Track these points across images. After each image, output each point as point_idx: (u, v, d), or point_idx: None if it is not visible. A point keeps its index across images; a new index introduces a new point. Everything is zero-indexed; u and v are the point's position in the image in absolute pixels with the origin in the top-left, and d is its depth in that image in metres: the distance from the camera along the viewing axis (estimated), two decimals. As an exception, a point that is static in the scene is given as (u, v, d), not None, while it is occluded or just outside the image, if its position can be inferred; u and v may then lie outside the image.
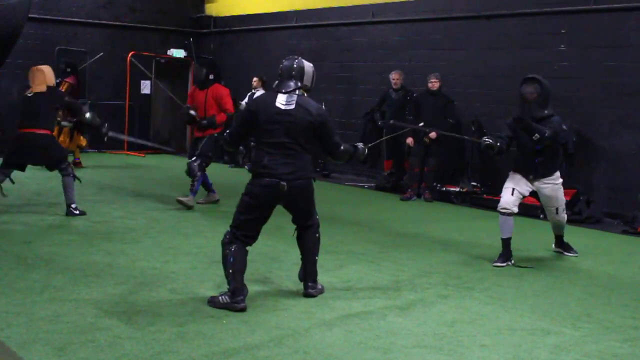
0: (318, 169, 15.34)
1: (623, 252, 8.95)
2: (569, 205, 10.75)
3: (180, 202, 10.27)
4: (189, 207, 10.28)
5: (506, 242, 7.78)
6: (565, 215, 8.23)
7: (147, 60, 18.07)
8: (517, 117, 7.69)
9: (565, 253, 8.41)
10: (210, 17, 19.37)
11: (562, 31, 11.85)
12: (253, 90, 15.17)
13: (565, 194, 10.85)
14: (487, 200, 11.86)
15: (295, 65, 6.06)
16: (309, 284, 6.24)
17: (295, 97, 5.96)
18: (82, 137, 14.44)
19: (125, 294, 6.01)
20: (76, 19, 17.47)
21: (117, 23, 18.14)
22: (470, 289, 6.75)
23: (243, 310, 5.66)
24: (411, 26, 14.37)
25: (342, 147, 6.22)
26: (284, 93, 5.97)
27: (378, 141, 8.14)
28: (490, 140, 7.78)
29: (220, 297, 5.78)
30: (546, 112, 7.78)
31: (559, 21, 11.93)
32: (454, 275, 7.22)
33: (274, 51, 17.13)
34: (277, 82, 6.09)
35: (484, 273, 7.40)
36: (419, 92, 12.77)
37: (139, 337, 4.99)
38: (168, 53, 18.49)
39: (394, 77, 13.20)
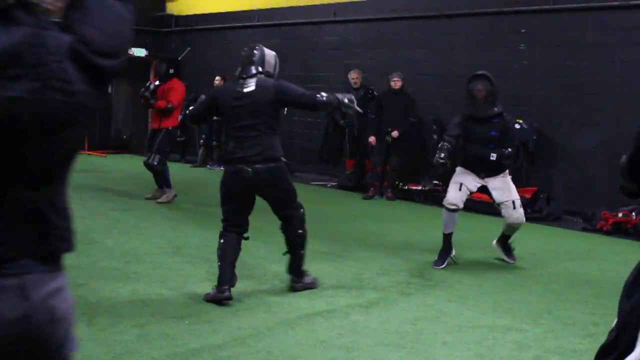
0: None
1: (582, 249, 9.05)
2: (529, 203, 10.88)
3: (161, 203, 10.68)
4: (168, 201, 10.74)
5: (448, 238, 7.63)
6: (523, 212, 7.75)
7: (108, 59, 17.91)
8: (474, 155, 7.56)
9: (504, 256, 7.93)
10: (172, 15, 19.26)
11: (522, 31, 11.96)
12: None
13: (526, 192, 11.01)
14: (449, 198, 11.92)
15: (255, 52, 6.16)
16: (293, 278, 6.38)
17: (255, 79, 6.02)
18: None
19: (86, 295, 5.96)
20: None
21: (77, 21, 17.93)
22: (432, 286, 6.79)
23: (227, 298, 5.78)
24: (372, 25, 14.41)
25: (317, 97, 6.02)
26: (245, 78, 6.04)
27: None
28: (443, 160, 7.40)
29: (211, 291, 5.92)
30: (496, 109, 7.59)
31: (519, 21, 12.04)
32: (416, 274, 7.25)
33: (236, 50, 16.99)
34: (239, 69, 6.16)
35: (445, 271, 7.45)
36: (381, 91, 12.80)
37: (101, 339, 4.96)
38: (129, 52, 18.32)
39: (353, 76, 13.19)
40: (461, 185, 7.63)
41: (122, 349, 4.79)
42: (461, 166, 7.79)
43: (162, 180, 10.76)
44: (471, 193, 7.77)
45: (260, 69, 6.09)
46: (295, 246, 6.32)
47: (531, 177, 11.62)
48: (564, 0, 11.47)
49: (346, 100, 6.19)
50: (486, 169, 7.64)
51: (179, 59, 11.64)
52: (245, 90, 5.99)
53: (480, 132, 7.56)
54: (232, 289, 6.03)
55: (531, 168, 11.64)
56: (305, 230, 6.36)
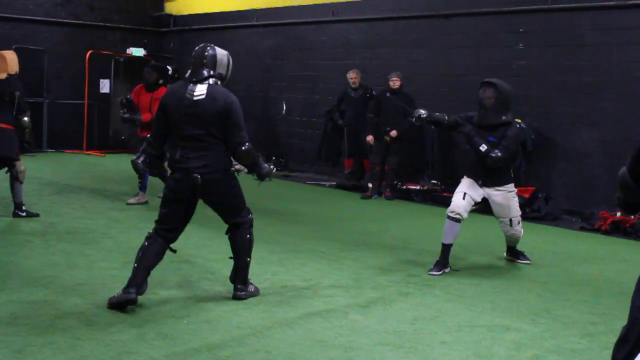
0: (279, 168, 15.32)
1: (581, 248, 9.06)
2: (527, 203, 10.88)
3: (131, 204, 10.46)
4: (143, 204, 10.57)
5: (446, 249, 7.39)
6: (521, 229, 7.76)
7: (107, 59, 17.91)
8: (462, 124, 7.41)
9: (518, 260, 7.97)
10: (170, 15, 19.25)
11: (521, 30, 11.96)
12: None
13: (524, 192, 11.01)
14: (448, 198, 11.85)
15: (207, 53, 5.85)
16: (239, 286, 6.06)
17: (206, 86, 5.75)
18: None
19: (84, 295, 5.96)
20: (33, 17, 17.26)
21: (76, 21, 17.94)
22: (431, 286, 6.79)
23: (132, 302, 5.51)
24: (371, 25, 14.41)
25: (246, 146, 5.82)
26: (195, 82, 5.78)
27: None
28: (423, 113, 7.43)
29: (118, 291, 5.68)
30: (504, 118, 7.37)
31: (517, 20, 12.04)
32: (414, 273, 7.25)
33: (235, 50, 17.02)
34: (189, 71, 5.88)
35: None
36: (380, 90, 12.80)
37: (99, 339, 4.95)
38: (128, 52, 18.33)
39: (352, 76, 13.21)
40: (465, 195, 7.44)
41: (120, 348, 4.79)
42: (466, 175, 7.64)
43: (139, 181, 10.59)
44: (476, 204, 7.52)
45: (212, 71, 5.82)
46: (242, 252, 6.04)
47: (529, 176, 11.62)
48: (562, 0, 11.48)
49: (265, 166, 6.13)
50: (483, 175, 7.43)
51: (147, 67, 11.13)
52: (195, 97, 5.70)
53: (480, 135, 7.38)
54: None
55: (529, 168, 11.64)
56: (252, 236, 6.09)
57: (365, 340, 5.19)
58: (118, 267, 6.90)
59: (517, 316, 5.95)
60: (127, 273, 6.65)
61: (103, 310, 5.58)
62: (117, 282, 6.34)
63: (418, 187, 12.53)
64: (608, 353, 5.04)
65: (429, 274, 7.24)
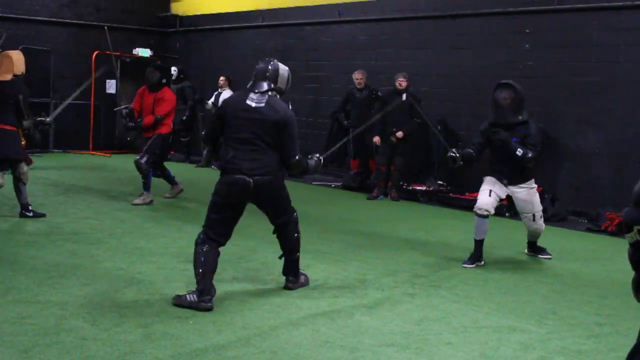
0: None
1: (587, 249, 9.04)
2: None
3: (137, 204, 10.46)
4: (148, 204, 10.58)
5: (479, 244, 7.72)
6: (543, 223, 8.09)
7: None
8: (496, 130, 7.68)
9: (539, 255, 8.27)
10: (176, 16, 19.27)
11: (527, 31, 11.95)
12: (219, 90, 15.13)
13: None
14: (454, 198, 11.93)
15: (270, 67, 6.15)
16: (290, 278, 6.46)
17: (267, 97, 6.02)
18: None
19: (90, 295, 5.96)
20: (40, 18, 17.30)
21: (82, 22, 17.97)
22: (437, 287, 6.78)
23: (209, 309, 5.67)
24: (377, 25, 14.40)
25: (297, 157, 6.16)
26: (256, 93, 6.04)
27: (336, 147, 8.42)
28: (454, 154, 7.79)
29: (187, 296, 5.77)
30: (520, 117, 7.72)
31: (524, 21, 12.03)
32: (420, 274, 7.24)
33: (240, 50, 17.11)
34: (251, 82, 6.16)
35: (450, 271, 7.44)
36: (385, 91, 12.79)
37: (105, 339, 4.95)
38: (134, 52, 18.34)
39: (357, 76, 13.21)
40: (490, 192, 7.78)
41: (126, 348, 4.79)
42: (488, 175, 7.93)
43: (144, 181, 10.62)
44: (501, 200, 7.91)
45: (272, 85, 6.10)
46: (292, 250, 6.41)
47: (536, 177, 11.56)
48: (568, 0, 11.45)
49: (313, 163, 6.49)
50: (509, 174, 7.81)
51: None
52: (254, 105, 5.98)
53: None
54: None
55: (536, 168, 11.59)
56: (299, 233, 6.44)
57: (370, 341, 5.19)
58: (124, 267, 6.91)
59: (523, 317, 5.94)
60: (133, 272, 6.68)
61: (109, 310, 5.58)
62: (122, 282, 6.36)
63: (424, 188, 12.52)
64: (614, 354, 5.05)
65: (463, 266, 7.55)
